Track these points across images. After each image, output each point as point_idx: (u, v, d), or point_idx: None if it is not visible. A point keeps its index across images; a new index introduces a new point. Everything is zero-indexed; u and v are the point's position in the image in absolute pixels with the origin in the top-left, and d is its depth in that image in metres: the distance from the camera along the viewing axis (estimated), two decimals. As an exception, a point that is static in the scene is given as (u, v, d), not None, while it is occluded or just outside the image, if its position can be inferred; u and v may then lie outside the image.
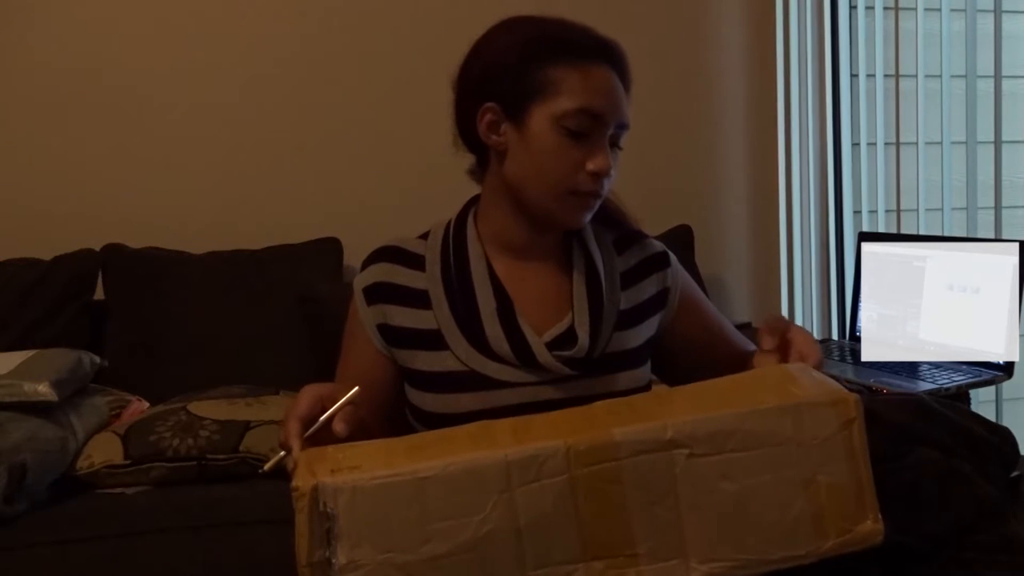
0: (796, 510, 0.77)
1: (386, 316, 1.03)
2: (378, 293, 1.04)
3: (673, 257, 1.15)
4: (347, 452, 0.80)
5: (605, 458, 0.75)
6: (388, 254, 1.06)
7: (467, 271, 1.03)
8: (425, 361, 1.02)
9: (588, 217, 1.04)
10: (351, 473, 0.75)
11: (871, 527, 0.78)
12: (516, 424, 0.84)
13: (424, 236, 1.09)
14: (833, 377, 0.86)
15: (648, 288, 1.11)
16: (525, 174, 1.00)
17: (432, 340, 1.02)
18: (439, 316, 1.02)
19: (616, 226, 1.13)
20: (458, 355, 1.01)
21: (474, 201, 1.10)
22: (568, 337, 1.02)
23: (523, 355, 1.00)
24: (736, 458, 0.77)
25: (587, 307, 1.04)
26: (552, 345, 1.01)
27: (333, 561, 0.73)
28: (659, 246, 1.15)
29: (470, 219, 1.07)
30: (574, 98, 0.97)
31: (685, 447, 0.76)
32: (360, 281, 1.05)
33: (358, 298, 1.05)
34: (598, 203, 1.03)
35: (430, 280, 1.04)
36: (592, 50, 0.99)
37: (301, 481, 0.74)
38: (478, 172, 1.09)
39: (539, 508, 0.74)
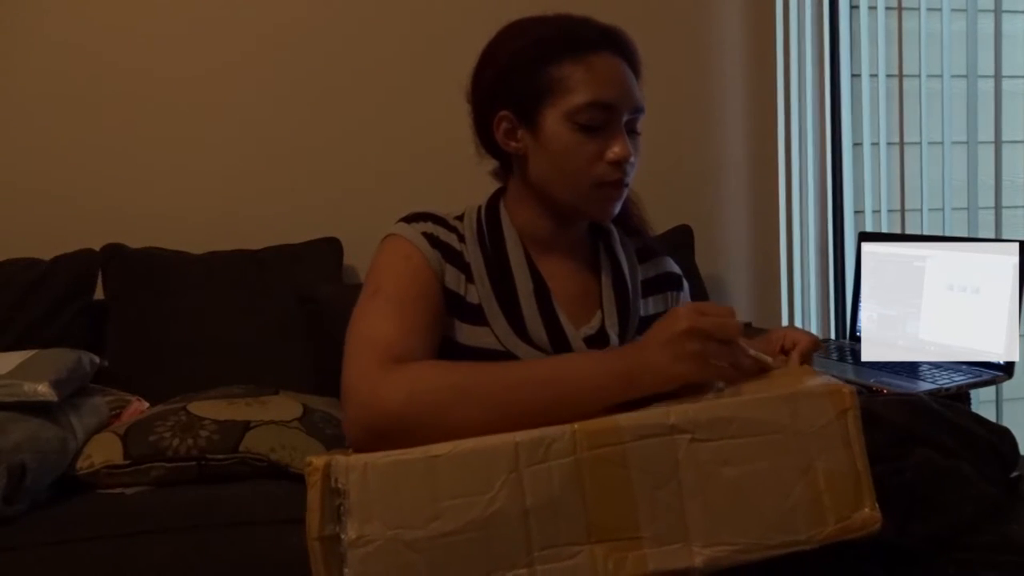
0: (795, 496, 0.79)
1: (444, 269, 1.00)
2: (438, 244, 1.01)
3: (686, 284, 1.17)
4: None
5: (610, 441, 0.77)
6: (433, 218, 1.04)
7: (504, 252, 1.03)
8: (464, 334, 1.00)
9: (617, 207, 1.04)
10: (364, 454, 0.77)
11: (868, 514, 0.80)
12: None
13: (458, 217, 1.08)
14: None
15: (661, 303, 1.13)
16: (548, 175, 1.01)
17: (473, 314, 1.01)
18: (481, 292, 1.01)
19: (637, 236, 1.15)
20: (496, 334, 1.00)
21: (501, 191, 1.10)
22: (600, 336, 1.03)
23: (558, 343, 1.01)
24: (736, 444, 0.79)
25: (615, 309, 1.06)
26: (587, 343, 1.02)
27: (343, 536, 0.74)
28: (676, 267, 1.17)
29: (502, 205, 1.08)
30: (582, 92, 0.97)
31: (687, 432, 0.78)
32: (412, 228, 1.01)
33: (416, 239, 1.00)
34: (625, 191, 1.03)
35: (472, 256, 1.03)
36: (594, 40, 0.99)
37: (315, 458, 0.76)
38: (502, 174, 1.10)
39: (546, 489, 0.76)
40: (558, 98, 0.98)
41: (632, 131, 1.02)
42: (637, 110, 1.01)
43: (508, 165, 1.08)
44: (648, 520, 0.77)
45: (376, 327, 0.93)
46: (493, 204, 1.08)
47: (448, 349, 1.00)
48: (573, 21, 1.02)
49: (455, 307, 1.01)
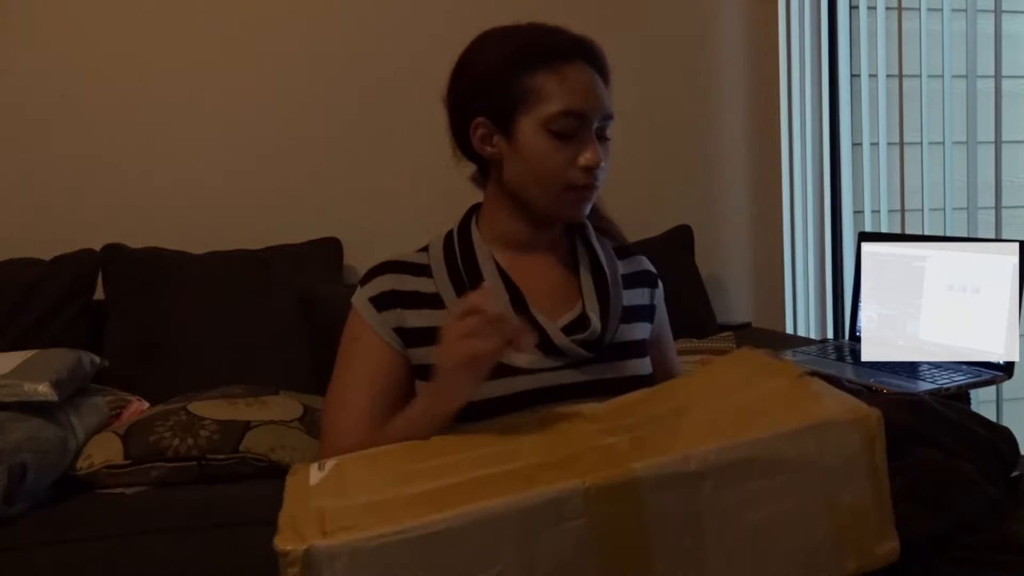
0: (819, 534, 0.76)
1: (402, 320, 1.05)
2: (389, 300, 1.06)
3: (661, 283, 1.22)
4: (334, 503, 0.73)
5: (626, 497, 0.71)
6: (390, 267, 1.09)
7: (476, 269, 1.07)
8: None
9: (587, 208, 1.09)
10: (346, 533, 0.67)
11: (890, 547, 0.78)
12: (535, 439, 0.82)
13: (422, 250, 1.13)
14: (834, 378, 0.86)
15: (640, 297, 1.17)
16: (523, 179, 1.05)
17: None
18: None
19: (612, 238, 1.20)
20: None
21: (473, 209, 1.15)
22: (580, 322, 1.06)
23: (541, 341, 1.03)
24: (761, 486, 0.75)
25: (595, 296, 1.09)
26: (566, 330, 1.05)
27: None
28: (652, 267, 1.22)
29: (473, 224, 1.12)
30: (556, 102, 1.01)
31: (709, 478, 0.73)
32: (364, 293, 1.07)
33: (364, 309, 1.06)
34: (595, 194, 1.08)
35: (440, 284, 1.07)
36: (565, 50, 1.03)
37: (291, 544, 0.66)
38: (480, 178, 1.15)
39: (557, 555, 0.69)
40: (533, 106, 1.02)
41: (602, 137, 1.06)
42: (607, 117, 1.06)
43: (485, 169, 1.12)
44: (665, 572, 0.72)
45: (331, 418, 1.06)
46: (464, 226, 1.12)
47: (427, 374, 1.04)
48: (546, 30, 1.06)
49: (426, 337, 1.04)
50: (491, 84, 1.04)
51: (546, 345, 1.04)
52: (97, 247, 2.13)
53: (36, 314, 1.98)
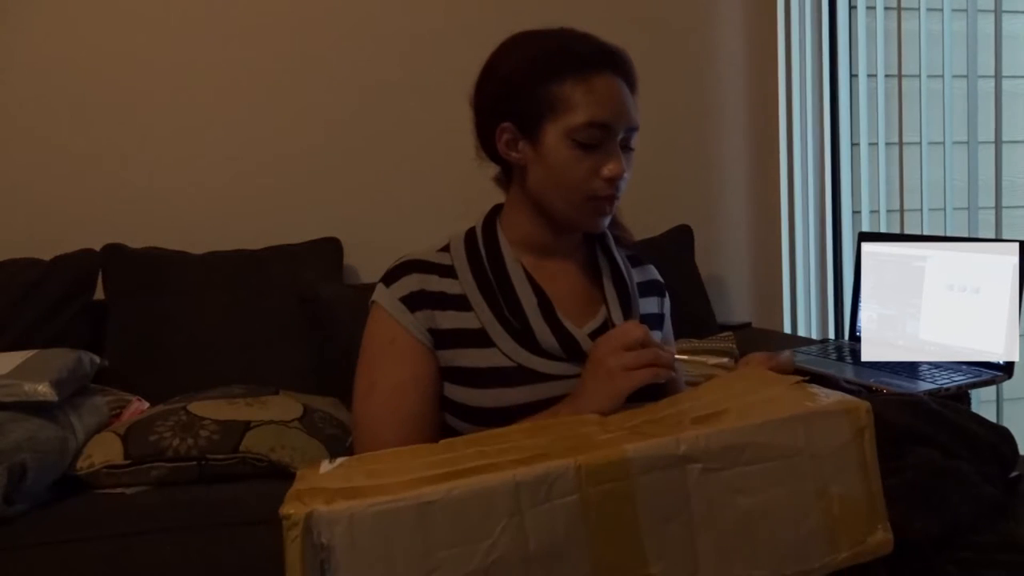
0: (810, 523, 0.77)
1: (433, 320, 1.04)
2: (420, 300, 1.04)
3: (667, 293, 1.23)
4: (339, 484, 0.75)
5: (617, 476, 0.73)
6: (415, 266, 1.07)
7: (505, 273, 1.07)
8: (471, 358, 1.03)
9: (607, 220, 1.09)
10: (347, 501, 0.70)
11: (882, 537, 0.78)
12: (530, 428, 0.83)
13: (443, 249, 1.11)
14: (833, 378, 0.86)
15: (651, 306, 1.18)
16: (545, 186, 1.05)
17: (478, 338, 1.04)
18: (481, 317, 1.05)
19: (625, 247, 1.21)
20: (504, 351, 1.03)
21: (496, 210, 1.14)
22: (604, 329, 1.07)
23: (569, 348, 1.04)
24: (750, 471, 0.76)
25: (619, 303, 1.10)
26: (592, 337, 1.05)
27: None
28: (659, 275, 1.23)
29: (498, 226, 1.11)
30: (582, 112, 1.01)
31: (698, 461, 0.74)
32: (392, 293, 1.05)
33: (395, 309, 1.04)
34: (616, 205, 1.08)
35: (465, 285, 1.06)
36: (595, 60, 1.03)
37: (293, 508, 0.69)
38: (503, 180, 1.14)
39: (549, 531, 0.71)
40: (559, 115, 1.01)
41: (626, 147, 1.06)
42: (632, 128, 1.06)
43: (509, 172, 1.11)
44: (656, 555, 0.73)
45: (377, 428, 1.02)
46: (490, 228, 1.11)
47: (454, 376, 1.04)
48: (576, 38, 1.05)
49: (455, 339, 1.04)
50: (518, 90, 1.03)
51: (575, 351, 1.03)
52: (97, 247, 2.13)
53: (36, 314, 1.98)
